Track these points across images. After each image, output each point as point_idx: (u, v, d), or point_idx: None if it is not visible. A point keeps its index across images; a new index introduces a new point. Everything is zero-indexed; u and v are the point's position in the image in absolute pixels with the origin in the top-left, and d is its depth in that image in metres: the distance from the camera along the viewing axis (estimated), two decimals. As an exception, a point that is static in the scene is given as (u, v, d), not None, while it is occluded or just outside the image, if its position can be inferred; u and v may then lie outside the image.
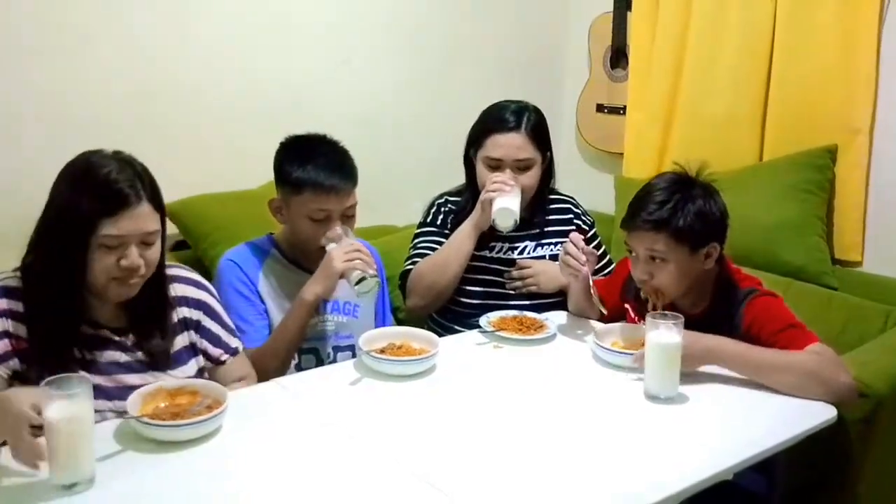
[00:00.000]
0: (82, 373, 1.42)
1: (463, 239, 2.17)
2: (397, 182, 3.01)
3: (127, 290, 1.53)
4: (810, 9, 2.63)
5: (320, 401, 1.63)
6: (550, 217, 2.33)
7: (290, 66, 2.79)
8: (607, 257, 2.37)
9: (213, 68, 2.63)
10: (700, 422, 1.57)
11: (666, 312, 1.66)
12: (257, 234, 2.07)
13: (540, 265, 2.24)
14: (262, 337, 1.91)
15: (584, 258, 1.93)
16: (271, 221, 2.03)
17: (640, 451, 1.44)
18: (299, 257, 2.00)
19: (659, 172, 2.03)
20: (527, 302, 2.21)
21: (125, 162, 1.52)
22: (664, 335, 1.61)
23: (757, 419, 1.58)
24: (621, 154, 3.24)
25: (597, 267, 2.14)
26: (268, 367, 1.83)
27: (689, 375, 1.69)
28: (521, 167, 2.18)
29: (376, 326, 2.09)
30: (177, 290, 1.68)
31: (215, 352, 1.72)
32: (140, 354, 1.59)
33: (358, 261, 1.82)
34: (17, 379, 1.45)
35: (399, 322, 2.27)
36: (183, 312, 1.68)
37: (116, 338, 1.58)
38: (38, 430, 1.23)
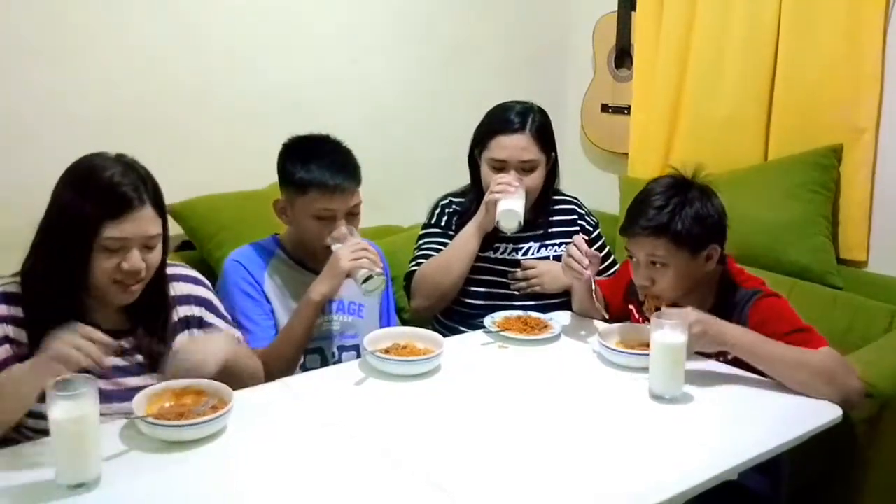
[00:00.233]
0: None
1: (467, 240, 2.18)
2: (403, 182, 3.02)
3: (128, 296, 1.53)
4: (815, 8, 2.62)
5: (325, 401, 1.64)
6: (554, 218, 2.33)
7: (296, 66, 2.80)
8: (611, 258, 2.37)
9: (220, 68, 2.64)
10: (705, 422, 1.57)
11: (672, 311, 1.66)
12: (262, 234, 2.07)
13: (544, 265, 2.24)
14: (269, 337, 1.91)
15: (587, 262, 1.93)
16: (276, 222, 2.03)
17: (644, 451, 1.44)
18: (304, 258, 2.01)
19: (663, 172, 2.04)
20: (531, 302, 2.21)
21: (128, 165, 1.52)
22: (669, 335, 1.61)
23: (762, 419, 1.57)
24: (626, 154, 3.24)
25: (601, 268, 2.14)
26: (274, 368, 1.83)
27: (694, 376, 1.69)
28: (526, 168, 2.18)
29: (381, 326, 2.09)
30: (176, 288, 1.69)
31: None
32: (140, 357, 1.60)
33: (364, 259, 1.82)
34: None
35: (404, 323, 2.28)
36: (183, 311, 1.69)
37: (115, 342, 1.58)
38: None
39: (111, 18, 2.41)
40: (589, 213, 2.41)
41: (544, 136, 2.21)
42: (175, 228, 2.27)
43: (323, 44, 2.86)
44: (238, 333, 1.78)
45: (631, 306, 2.02)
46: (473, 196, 2.28)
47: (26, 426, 1.44)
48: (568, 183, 2.46)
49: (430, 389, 1.70)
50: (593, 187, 3.01)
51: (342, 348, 2.02)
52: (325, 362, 1.99)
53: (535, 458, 1.41)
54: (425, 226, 2.34)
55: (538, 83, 3.30)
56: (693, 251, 1.78)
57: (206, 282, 1.78)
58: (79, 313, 1.52)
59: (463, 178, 2.35)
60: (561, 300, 2.21)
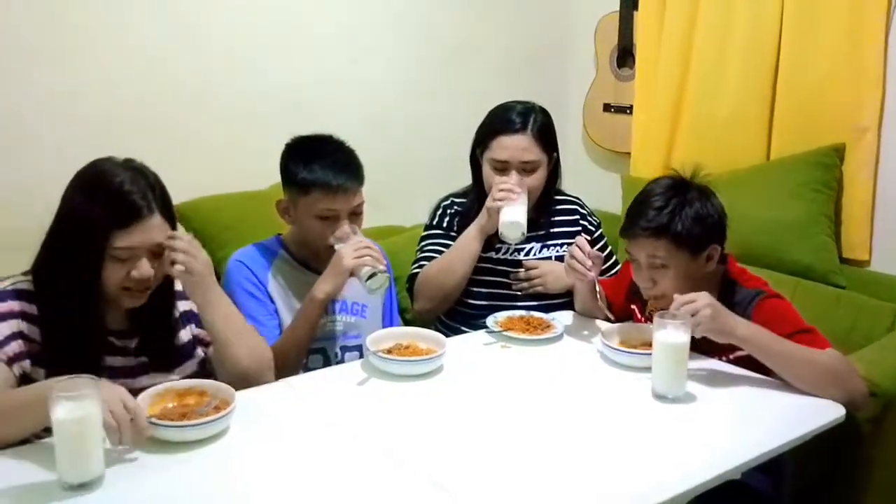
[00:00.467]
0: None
1: (469, 242, 2.17)
2: (403, 182, 3.01)
3: (137, 300, 1.55)
4: (817, 7, 2.62)
5: (327, 401, 1.63)
6: (556, 218, 2.33)
7: (296, 66, 2.80)
8: (613, 258, 2.37)
9: (220, 68, 2.64)
10: (707, 421, 1.56)
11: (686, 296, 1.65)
12: (266, 234, 2.07)
13: (546, 265, 2.23)
14: (274, 336, 1.91)
15: (589, 263, 1.93)
16: (280, 222, 2.03)
17: (647, 451, 1.44)
18: (307, 257, 2.00)
19: (666, 172, 2.03)
20: (533, 302, 2.21)
21: (137, 172, 1.52)
22: (671, 335, 1.61)
23: (765, 418, 1.57)
24: (628, 153, 3.24)
25: (603, 268, 2.14)
26: (278, 367, 1.83)
27: (697, 375, 1.69)
28: (527, 169, 2.17)
29: (384, 327, 2.09)
30: (177, 284, 1.69)
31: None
32: (143, 357, 1.60)
33: (367, 257, 1.82)
34: (24, 380, 1.46)
35: (406, 323, 2.28)
36: (183, 306, 1.69)
37: (119, 342, 1.59)
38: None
39: (111, 18, 2.41)
40: (591, 213, 2.41)
41: (546, 137, 2.20)
42: (178, 229, 2.26)
43: (323, 44, 2.86)
44: None
45: (633, 306, 2.02)
46: (475, 196, 2.27)
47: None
48: (570, 183, 2.46)
49: (433, 390, 1.69)
50: (595, 187, 3.01)
51: (345, 348, 2.02)
52: (327, 362, 1.99)
53: (537, 458, 1.40)
54: (427, 227, 2.33)
55: (539, 83, 3.30)
56: (693, 251, 1.78)
57: None
58: (93, 315, 1.53)
59: (464, 178, 2.35)
60: (563, 300, 2.21)
